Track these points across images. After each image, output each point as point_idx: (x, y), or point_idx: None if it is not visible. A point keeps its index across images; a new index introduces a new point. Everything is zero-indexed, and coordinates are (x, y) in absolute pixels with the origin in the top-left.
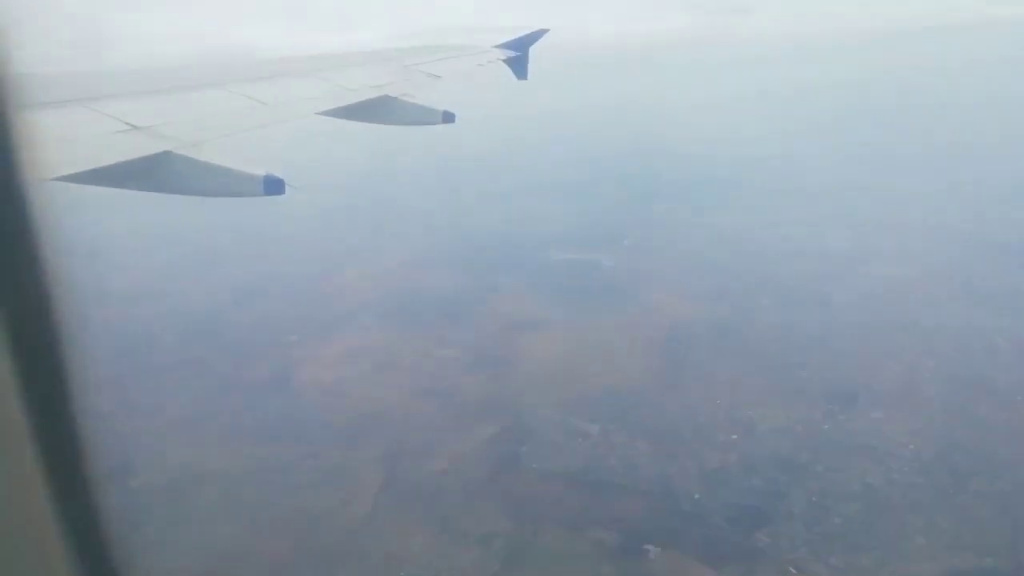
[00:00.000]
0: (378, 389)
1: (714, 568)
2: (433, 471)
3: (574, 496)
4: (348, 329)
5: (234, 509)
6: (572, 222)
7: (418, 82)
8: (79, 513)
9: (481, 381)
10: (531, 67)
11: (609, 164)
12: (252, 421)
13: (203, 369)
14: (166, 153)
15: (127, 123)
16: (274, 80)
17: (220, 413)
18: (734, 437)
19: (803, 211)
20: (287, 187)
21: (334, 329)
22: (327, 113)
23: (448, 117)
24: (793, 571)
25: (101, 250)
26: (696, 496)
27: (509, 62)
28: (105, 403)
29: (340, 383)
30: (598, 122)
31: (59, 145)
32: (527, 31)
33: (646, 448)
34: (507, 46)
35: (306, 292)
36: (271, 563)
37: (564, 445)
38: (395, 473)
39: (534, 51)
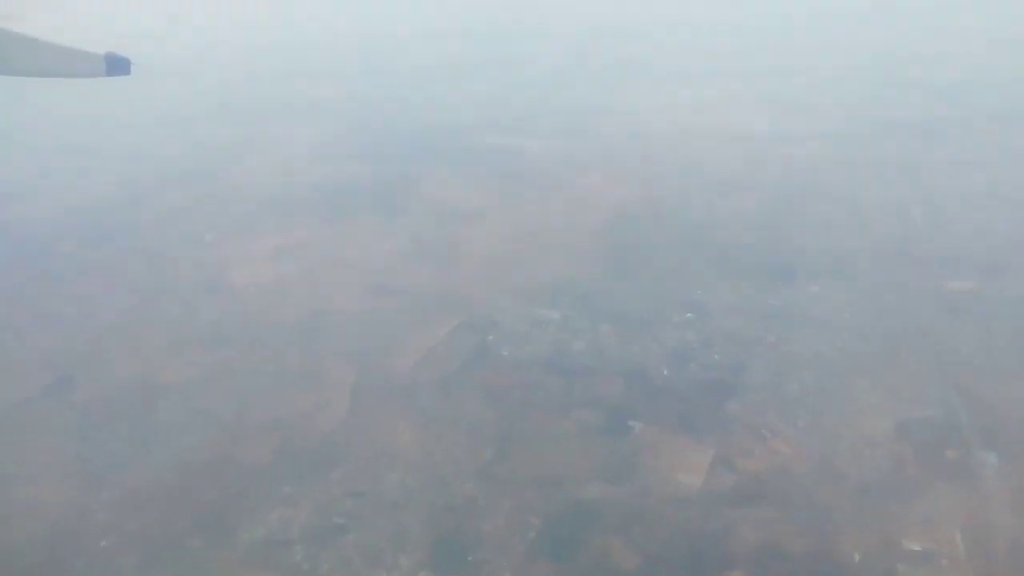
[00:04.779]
0: (322, 286)
1: (698, 438)
2: (405, 366)
3: (550, 380)
4: (264, 224)
5: (199, 419)
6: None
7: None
8: None
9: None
10: None
11: (486, 35)
12: (192, 328)
13: (119, 275)
14: None
15: None
16: None
17: (153, 321)
18: (689, 316)
19: (714, 93)
20: (132, 67)
21: (247, 225)
22: None
23: (117, 67)
24: (768, 434)
25: None
26: (665, 373)
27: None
28: (18, 316)
29: (279, 281)
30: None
31: None
32: None
33: (609, 332)
34: None
35: (201, 186)
36: (256, 470)
37: (530, 333)
38: (365, 371)
39: None
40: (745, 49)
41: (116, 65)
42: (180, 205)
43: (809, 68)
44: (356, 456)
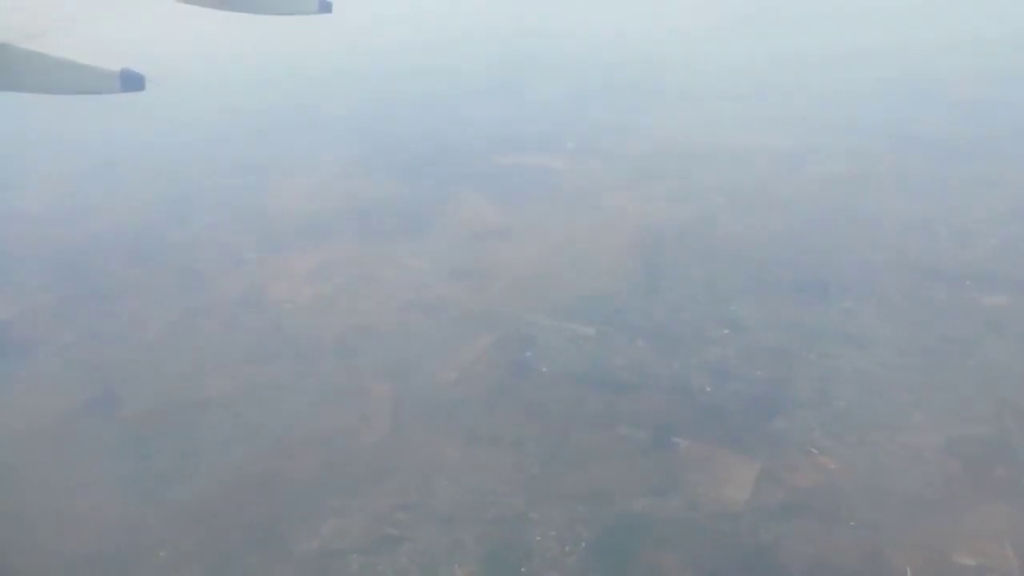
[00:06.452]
0: (360, 303)
1: (744, 454)
2: (445, 382)
3: (592, 396)
4: (299, 242)
5: (245, 434)
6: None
7: None
8: None
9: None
10: None
11: (509, 55)
12: (234, 344)
13: (160, 292)
14: (3, 46)
15: None
16: None
17: (195, 338)
18: (726, 332)
19: (731, 112)
20: (147, 83)
21: (282, 243)
22: (185, 0)
23: (324, 6)
24: (815, 451)
25: None
26: (708, 389)
27: None
28: (62, 333)
29: (318, 299)
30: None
31: None
32: None
33: (647, 348)
34: None
35: (235, 205)
36: (305, 483)
37: (568, 349)
38: (405, 388)
39: None
40: (762, 65)
41: (131, 81)
42: (218, 224)
43: (827, 84)
44: (404, 470)
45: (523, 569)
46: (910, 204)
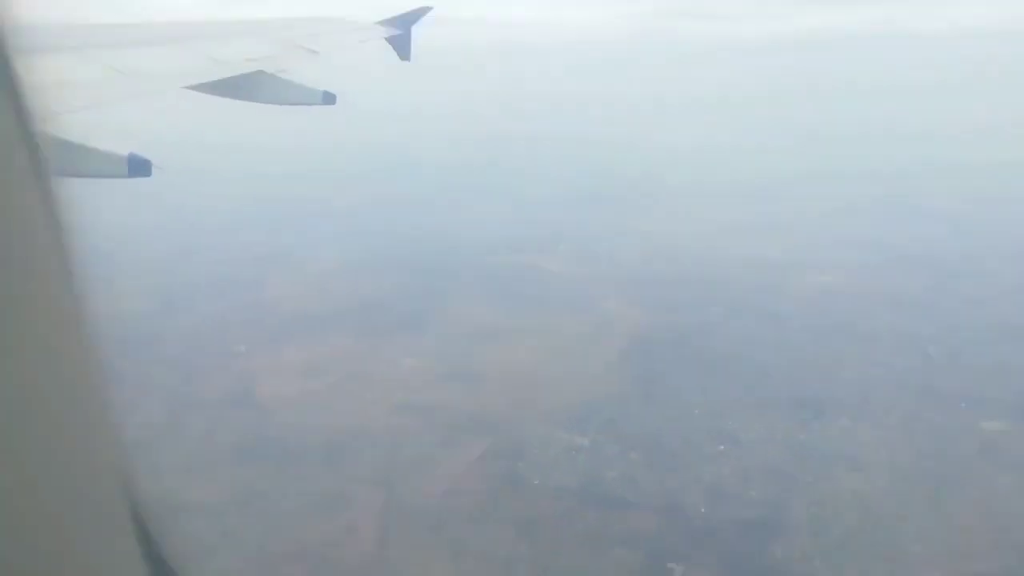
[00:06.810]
0: (351, 402)
1: None
2: (434, 493)
3: (584, 513)
4: (292, 336)
5: (228, 544)
6: (474, 219)
7: (296, 57)
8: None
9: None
10: (416, 48)
11: (504, 155)
12: (218, 445)
13: (147, 386)
14: None
15: None
16: (138, 47)
17: (178, 437)
18: (721, 448)
19: (723, 218)
20: (154, 168)
21: (275, 337)
22: (195, 88)
23: (328, 98)
24: None
25: None
26: (702, 510)
27: (391, 40)
28: None
29: (308, 396)
30: (485, 109)
31: None
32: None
33: (641, 461)
34: (389, 23)
35: (228, 295)
36: None
37: (560, 460)
38: (393, 497)
39: (419, 31)
40: (748, 174)
41: (138, 166)
42: (211, 315)
43: (818, 194)
44: None
45: None
46: (904, 321)
